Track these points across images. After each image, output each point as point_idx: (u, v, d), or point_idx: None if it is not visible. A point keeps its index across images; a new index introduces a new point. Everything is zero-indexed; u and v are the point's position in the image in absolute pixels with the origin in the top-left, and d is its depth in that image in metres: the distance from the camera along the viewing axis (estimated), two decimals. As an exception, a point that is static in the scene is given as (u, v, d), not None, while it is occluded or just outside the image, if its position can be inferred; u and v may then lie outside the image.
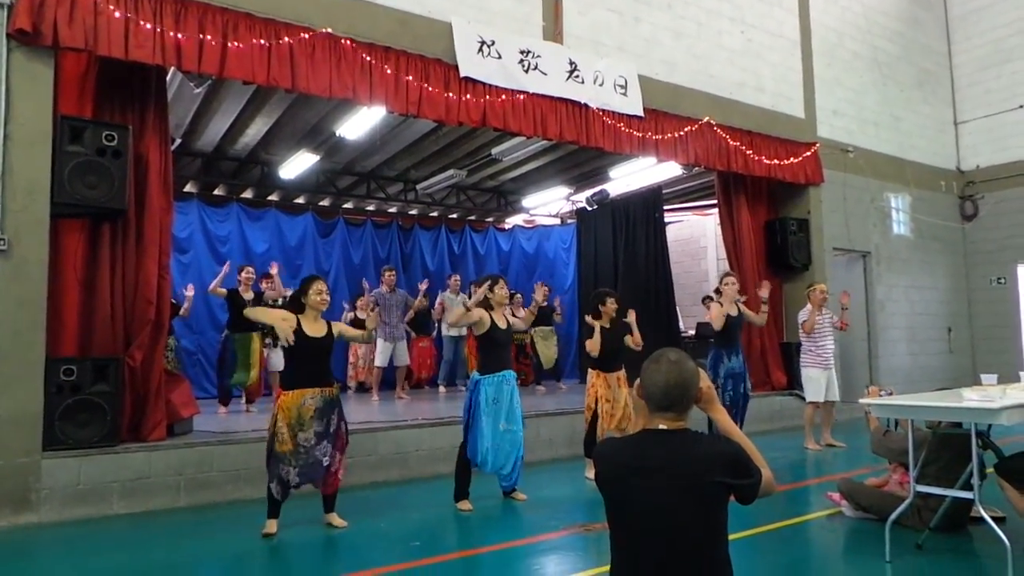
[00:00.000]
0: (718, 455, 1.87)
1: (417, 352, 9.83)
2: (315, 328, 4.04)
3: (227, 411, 7.37)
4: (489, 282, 4.73)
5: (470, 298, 4.31)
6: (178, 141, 8.54)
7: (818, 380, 6.78)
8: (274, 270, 7.08)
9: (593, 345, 5.30)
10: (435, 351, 10.40)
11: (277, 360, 7.57)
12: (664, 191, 10.92)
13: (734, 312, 6.06)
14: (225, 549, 3.94)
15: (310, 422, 3.96)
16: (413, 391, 9.30)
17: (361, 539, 4.03)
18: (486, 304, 4.67)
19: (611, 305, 5.41)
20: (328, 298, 4.12)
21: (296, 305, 4.10)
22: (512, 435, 4.61)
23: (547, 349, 9.75)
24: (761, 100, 8.83)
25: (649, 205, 10.63)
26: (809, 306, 6.97)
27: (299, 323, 3.99)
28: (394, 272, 8.82)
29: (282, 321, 4.00)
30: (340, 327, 4.24)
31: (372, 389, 8.82)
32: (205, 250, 9.99)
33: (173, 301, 7.62)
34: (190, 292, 7.47)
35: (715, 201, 9.45)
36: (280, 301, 7.38)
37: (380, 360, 8.73)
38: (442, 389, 9.80)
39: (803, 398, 7.93)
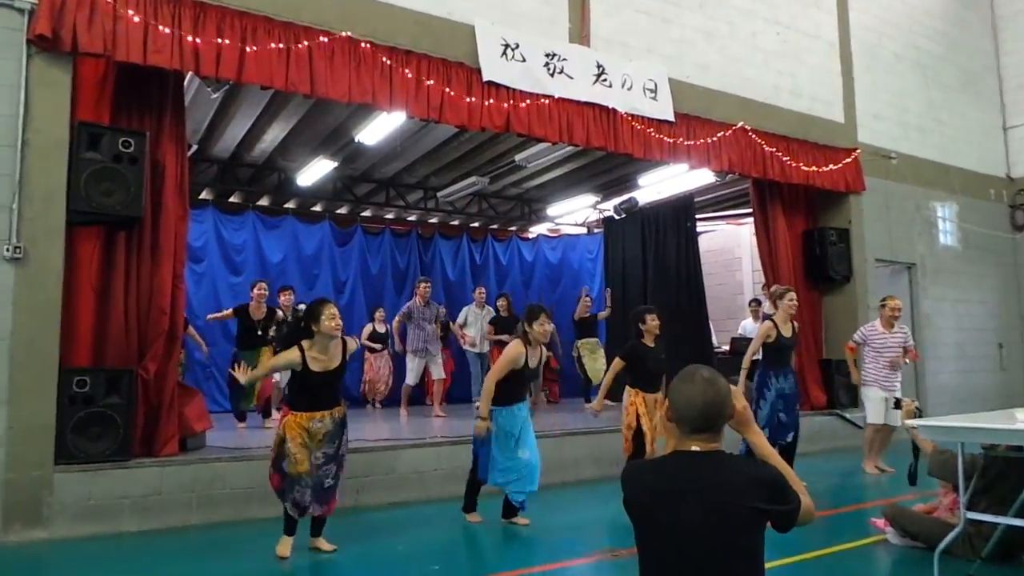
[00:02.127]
0: (754, 479, 1.83)
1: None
2: (325, 358, 3.95)
3: (245, 425, 7.42)
4: (528, 316, 4.67)
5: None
6: (194, 147, 8.69)
7: (879, 402, 6.56)
8: (289, 297, 7.42)
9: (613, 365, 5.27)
10: (453, 364, 10.43)
11: (283, 376, 7.59)
12: (696, 199, 10.86)
13: (789, 332, 5.91)
14: (237, 571, 3.93)
15: (319, 443, 3.94)
16: (430, 407, 9.28)
17: (378, 563, 4.01)
18: (524, 336, 4.63)
19: (652, 322, 5.33)
20: (341, 323, 4.01)
21: (305, 332, 4.00)
22: (528, 461, 4.62)
23: (594, 363, 9.68)
24: (798, 104, 8.75)
25: (680, 214, 10.57)
26: (876, 321, 6.71)
27: (303, 355, 3.92)
28: (429, 284, 8.83)
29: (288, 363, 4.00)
30: (352, 345, 4.14)
31: (402, 406, 8.81)
32: (219, 259, 10.12)
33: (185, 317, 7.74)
34: (196, 336, 7.64)
35: (750, 210, 9.37)
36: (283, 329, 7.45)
37: (411, 378, 8.69)
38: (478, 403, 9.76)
39: (845, 418, 7.81)
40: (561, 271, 12.99)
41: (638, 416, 5.13)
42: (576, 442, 6.53)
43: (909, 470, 4.08)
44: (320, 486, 3.98)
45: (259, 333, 7.35)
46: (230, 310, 7.55)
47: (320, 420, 3.92)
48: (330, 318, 3.96)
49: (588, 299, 10.11)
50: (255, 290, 7.51)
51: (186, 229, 5.62)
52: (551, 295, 12.59)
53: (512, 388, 4.60)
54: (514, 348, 4.57)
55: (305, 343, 3.96)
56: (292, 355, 3.96)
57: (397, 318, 8.79)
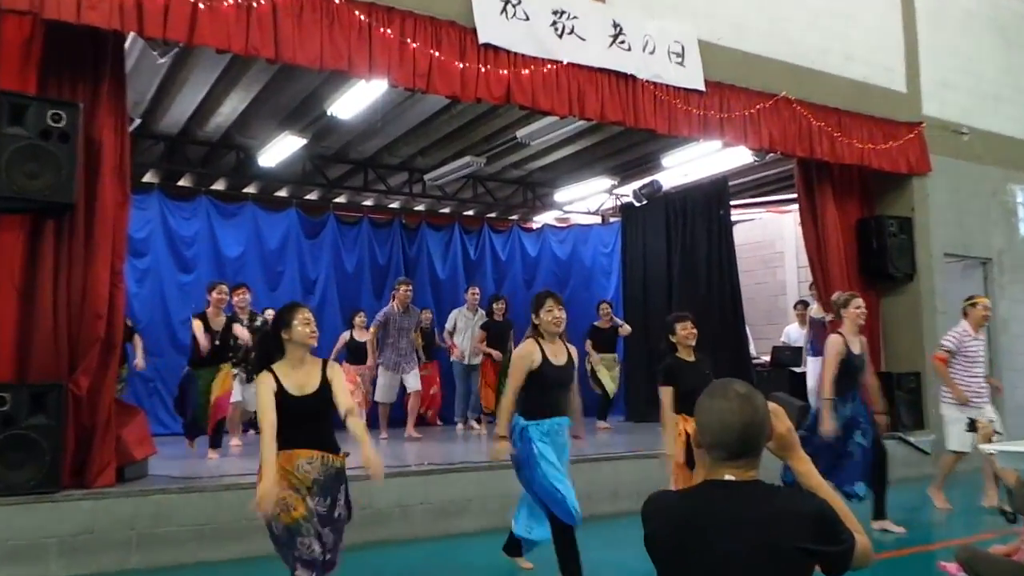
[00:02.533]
0: (801, 514, 1.82)
1: (424, 380, 9.82)
2: (301, 378, 3.75)
3: (194, 448, 7.41)
4: (535, 304, 4.58)
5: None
6: (137, 122, 8.69)
7: (963, 423, 6.20)
8: (244, 297, 7.45)
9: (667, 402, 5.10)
10: (439, 381, 10.45)
11: (251, 397, 7.55)
12: (731, 183, 10.87)
13: (858, 348, 5.78)
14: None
15: (308, 492, 3.68)
16: (418, 428, 9.28)
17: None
18: (534, 330, 4.55)
19: (683, 331, 5.23)
20: (316, 331, 3.83)
21: (273, 344, 3.83)
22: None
23: (612, 382, 9.82)
24: (851, 70, 8.74)
25: (712, 200, 10.58)
26: (965, 324, 6.52)
27: (277, 379, 3.68)
28: (410, 287, 8.85)
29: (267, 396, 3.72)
30: (333, 376, 3.83)
31: (381, 428, 8.84)
32: (166, 254, 10.14)
33: (128, 323, 7.73)
34: (139, 346, 7.69)
35: (794, 195, 9.37)
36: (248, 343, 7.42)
37: (384, 395, 8.74)
38: (460, 426, 9.81)
39: (909, 442, 7.74)
40: (571, 268, 13.01)
41: (689, 447, 4.86)
42: (589, 471, 6.45)
43: (1002, 506, 4.04)
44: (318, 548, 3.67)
45: (217, 344, 7.30)
46: (196, 320, 7.34)
47: (309, 461, 3.68)
48: (304, 323, 3.79)
49: (608, 306, 10.15)
50: (213, 294, 7.42)
51: (127, 218, 5.62)
52: (560, 292, 12.61)
53: (544, 397, 4.46)
54: (524, 346, 4.51)
55: (277, 365, 3.77)
56: (265, 384, 3.71)
57: (372, 328, 8.82)
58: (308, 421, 3.71)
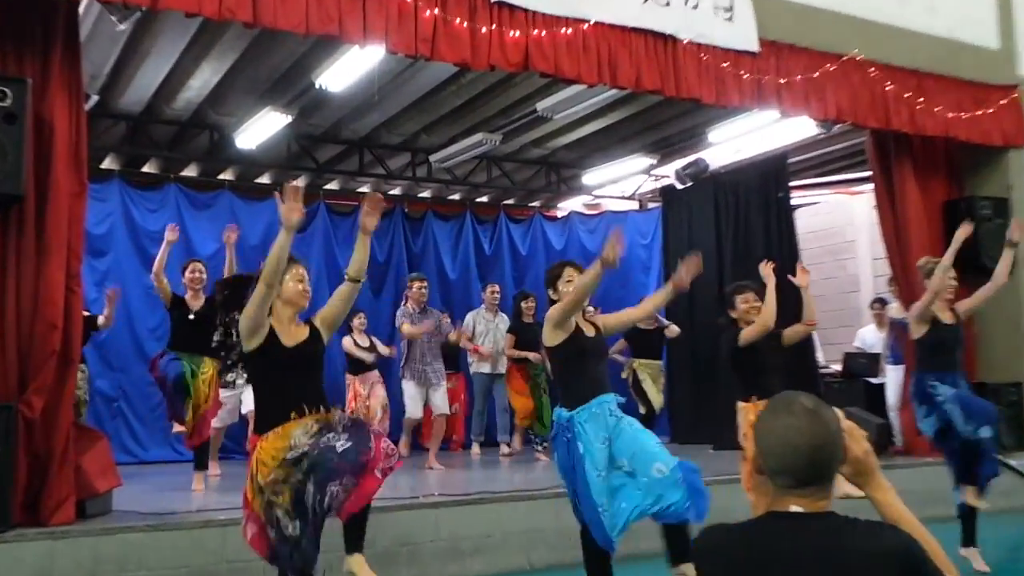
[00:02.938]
0: (882, 553, 1.80)
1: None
2: (294, 334, 4.01)
3: (184, 429, 7.34)
4: (550, 279, 4.73)
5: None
6: (94, 99, 8.76)
7: None
8: (232, 237, 7.47)
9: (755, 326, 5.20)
10: (468, 395, 10.51)
11: (248, 398, 7.51)
12: (791, 160, 10.82)
13: (948, 318, 5.81)
14: None
15: (312, 457, 3.81)
16: (441, 457, 9.28)
17: None
18: (552, 303, 4.68)
19: (746, 303, 5.38)
20: (309, 289, 4.09)
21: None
22: (649, 481, 4.24)
23: (658, 394, 9.78)
24: (934, 26, 8.67)
25: (769, 181, 10.53)
26: None
27: (272, 331, 3.95)
28: (426, 284, 8.85)
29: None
30: (320, 317, 4.13)
31: (400, 444, 8.77)
32: (130, 251, 10.22)
33: (86, 312, 7.76)
34: (113, 294, 7.64)
35: (867, 173, 9.33)
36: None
37: (413, 408, 8.69)
38: (476, 451, 9.79)
39: (1011, 467, 7.63)
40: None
41: None
42: None
43: None
44: (331, 462, 3.77)
45: (200, 329, 7.30)
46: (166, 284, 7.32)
47: (304, 432, 3.83)
48: (297, 279, 4.03)
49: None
50: (187, 273, 7.54)
51: (84, 210, 5.67)
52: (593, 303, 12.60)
53: (585, 374, 4.47)
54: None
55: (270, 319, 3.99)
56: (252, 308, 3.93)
57: (402, 321, 8.72)
58: (300, 377, 3.94)
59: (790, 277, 5.78)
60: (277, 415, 3.89)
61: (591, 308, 10.18)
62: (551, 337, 4.52)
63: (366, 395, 9.61)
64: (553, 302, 4.61)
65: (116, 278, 9.95)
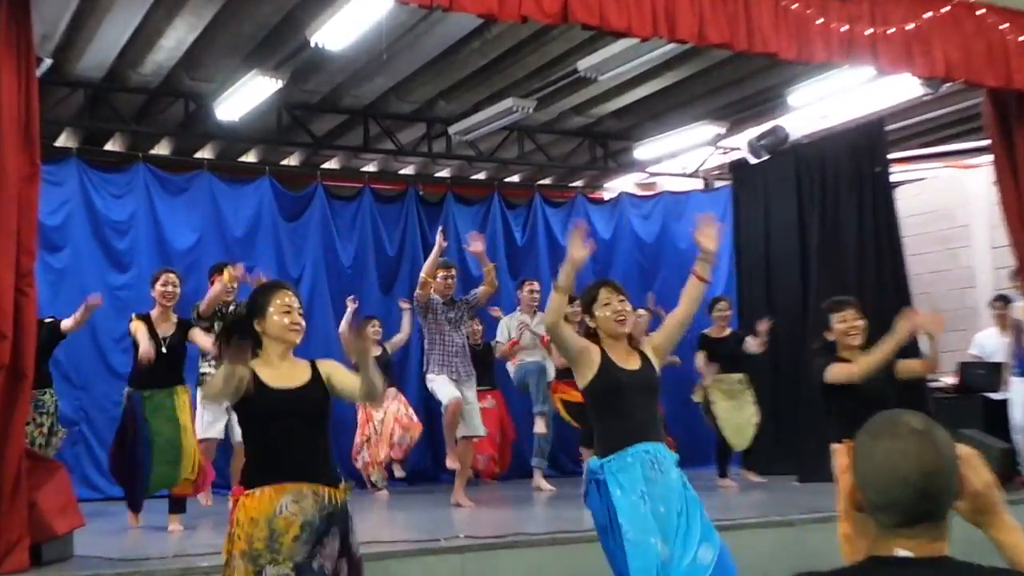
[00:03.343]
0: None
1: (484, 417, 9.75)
2: (285, 374, 3.97)
3: (139, 523, 7.42)
4: (585, 300, 4.70)
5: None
6: (47, 63, 8.78)
7: None
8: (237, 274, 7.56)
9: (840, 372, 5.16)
10: (507, 414, 10.48)
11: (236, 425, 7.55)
12: (889, 127, 10.78)
13: None
14: None
15: (292, 546, 3.77)
16: (474, 487, 9.29)
17: None
18: (591, 338, 4.62)
19: (844, 323, 5.32)
20: (301, 321, 4.03)
21: (243, 333, 4.00)
22: (693, 567, 4.23)
23: (737, 415, 9.54)
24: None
25: (862, 152, 10.49)
26: None
27: (256, 375, 3.87)
28: (453, 273, 8.77)
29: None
30: (331, 368, 4.08)
31: (448, 447, 8.62)
32: (92, 246, 10.26)
33: (49, 319, 7.80)
34: (93, 302, 7.71)
35: (985, 142, 9.21)
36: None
37: (451, 391, 8.37)
38: (543, 484, 9.59)
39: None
40: (660, 253, 12.99)
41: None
42: (752, 539, 6.51)
43: None
44: None
45: (166, 356, 7.35)
46: (137, 321, 7.32)
47: (295, 499, 3.82)
48: (283, 311, 3.95)
49: (726, 305, 10.05)
50: (158, 286, 7.44)
51: (36, 197, 5.69)
52: (644, 293, 12.46)
53: (620, 417, 4.48)
54: (569, 335, 4.59)
55: (254, 362, 3.93)
56: (237, 368, 3.87)
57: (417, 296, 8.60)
58: (297, 433, 3.89)
59: (916, 320, 5.49)
60: (263, 474, 3.86)
61: (642, 312, 10.29)
62: (577, 376, 4.58)
63: (381, 417, 9.62)
64: (591, 331, 4.59)
65: (74, 278, 10.06)
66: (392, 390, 9.68)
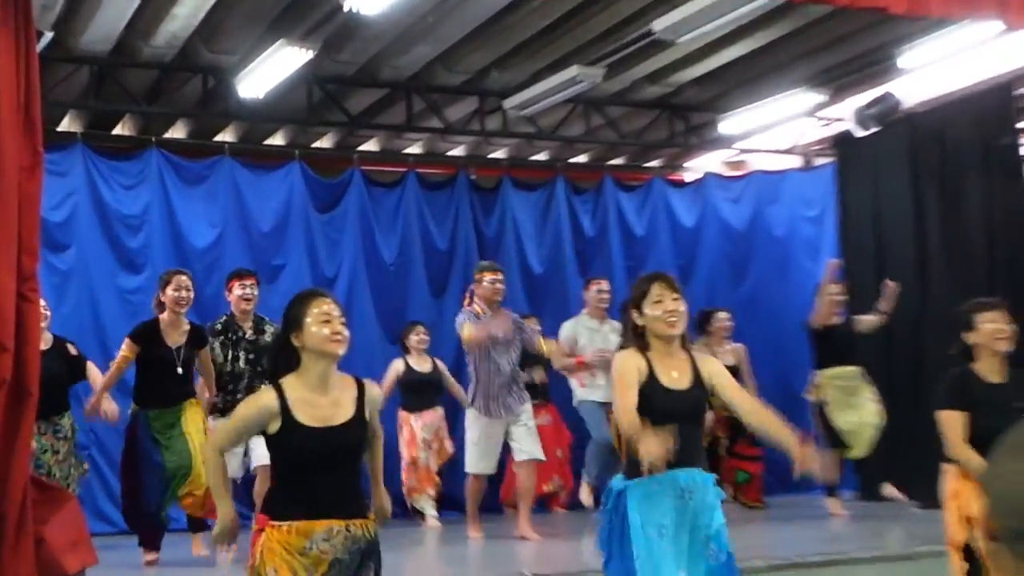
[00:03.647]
0: None
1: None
2: (323, 404, 4.01)
3: (156, 559, 7.48)
4: (635, 296, 4.75)
5: (633, 327, 4.28)
6: (48, 36, 8.85)
7: None
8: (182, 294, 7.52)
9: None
10: (568, 432, 10.41)
11: (261, 448, 7.61)
12: (1017, 93, 10.62)
13: None
14: None
15: None
16: (538, 516, 9.21)
17: None
18: (637, 338, 4.67)
19: (988, 325, 5.23)
20: (344, 331, 4.04)
21: (285, 354, 4.08)
22: None
23: (855, 417, 9.33)
24: None
25: (988, 122, 10.37)
26: None
27: (283, 400, 3.98)
28: (500, 276, 8.71)
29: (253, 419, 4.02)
30: (375, 408, 4.16)
31: (469, 521, 8.70)
32: (100, 244, 10.32)
33: (73, 347, 7.90)
34: (95, 377, 7.79)
35: None
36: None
37: (478, 461, 8.51)
38: (587, 494, 9.66)
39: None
40: (752, 242, 12.91)
41: (971, 520, 4.98)
42: None
43: None
44: None
45: (179, 372, 7.40)
46: (128, 341, 7.53)
47: (327, 536, 3.92)
48: (322, 321, 3.99)
49: (838, 291, 9.86)
50: (169, 290, 7.54)
51: (39, 190, 5.69)
52: (735, 288, 12.45)
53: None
54: (623, 355, 4.68)
55: (288, 380, 4.01)
56: (260, 401, 4.02)
57: (466, 330, 8.62)
58: (330, 471, 4.00)
59: None
60: (293, 507, 3.95)
61: (723, 316, 10.19)
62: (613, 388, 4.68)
63: (429, 438, 9.60)
64: (637, 329, 4.62)
65: (81, 280, 10.16)
66: (440, 414, 9.81)
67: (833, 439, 9.36)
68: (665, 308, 4.54)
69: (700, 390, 4.60)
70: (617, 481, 4.56)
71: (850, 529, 8.82)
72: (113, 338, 9.90)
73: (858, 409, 9.38)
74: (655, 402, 4.48)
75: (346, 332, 4.06)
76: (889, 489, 9.68)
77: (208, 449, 4.21)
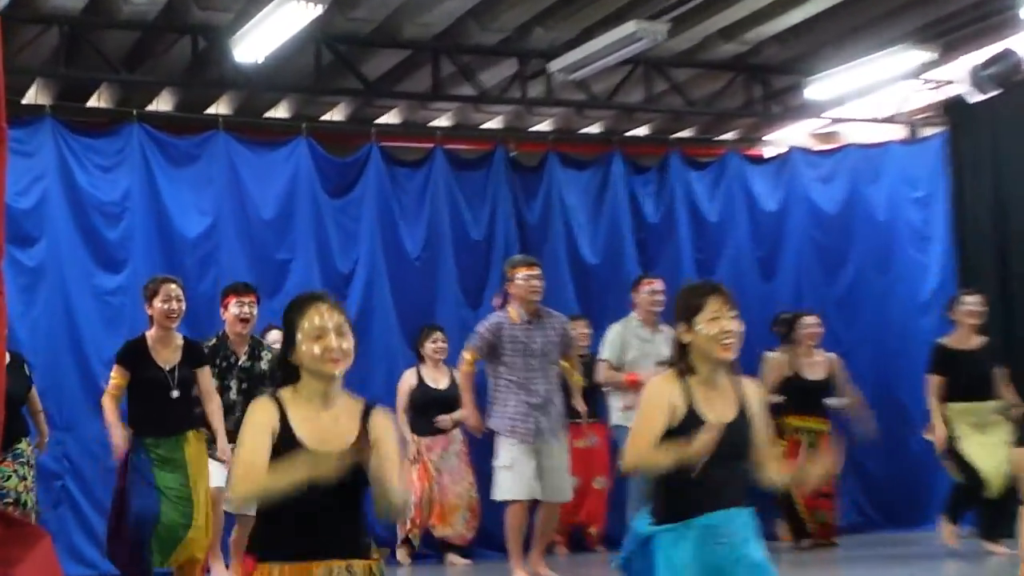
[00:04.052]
0: None
1: (578, 459, 9.82)
2: (323, 423, 4.05)
3: None
4: (684, 305, 4.71)
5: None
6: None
7: None
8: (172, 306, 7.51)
9: None
10: (608, 461, 10.41)
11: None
12: None
13: None
14: None
15: None
16: (578, 555, 9.25)
17: None
18: (681, 358, 4.67)
19: None
20: (341, 345, 3.99)
21: (285, 373, 4.13)
22: None
23: (992, 454, 9.33)
24: None
25: None
26: None
27: (285, 421, 4.02)
28: (536, 272, 8.75)
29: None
30: (382, 433, 4.11)
31: (513, 556, 8.73)
32: (74, 237, 10.35)
33: (24, 369, 8.00)
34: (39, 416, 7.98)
35: None
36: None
37: (515, 486, 8.57)
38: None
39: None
40: (847, 229, 12.86)
41: None
42: None
43: None
44: None
45: (175, 396, 7.49)
46: (117, 369, 7.59)
47: None
48: (314, 336, 4.01)
49: (978, 301, 9.82)
50: (157, 302, 7.57)
51: (2, 174, 5.79)
52: (827, 285, 12.47)
53: (684, 476, 4.49)
54: (657, 381, 4.71)
55: (286, 392, 4.07)
56: (261, 415, 4.04)
57: (466, 355, 8.80)
58: (329, 503, 3.97)
59: None
60: (286, 547, 3.97)
61: (810, 321, 10.17)
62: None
63: (435, 469, 9.63)
64: (682, 348, 4.62)
65: (53, 279, 10.16)
66: (458, 438, 9.81)
67: (966, 474, 9.45)
68: (722, 328, 4.52)
69: (746, 421, 4.62)
70: (642, 523, 4.59)
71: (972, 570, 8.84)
72: (91, 348, 10.09)
73: (996, 450, 9.27)
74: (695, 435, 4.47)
75: (346, 345, 4.02)
76: None
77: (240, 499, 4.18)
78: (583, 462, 10.02)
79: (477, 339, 8.74)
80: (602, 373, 9.63)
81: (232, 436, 7.68)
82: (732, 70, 12.41)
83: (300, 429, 3.97)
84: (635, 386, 9.28)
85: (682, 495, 4.51)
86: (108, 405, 7.60)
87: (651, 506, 4.64)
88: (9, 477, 7.41)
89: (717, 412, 4.53)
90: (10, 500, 7.13)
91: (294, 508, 3.93)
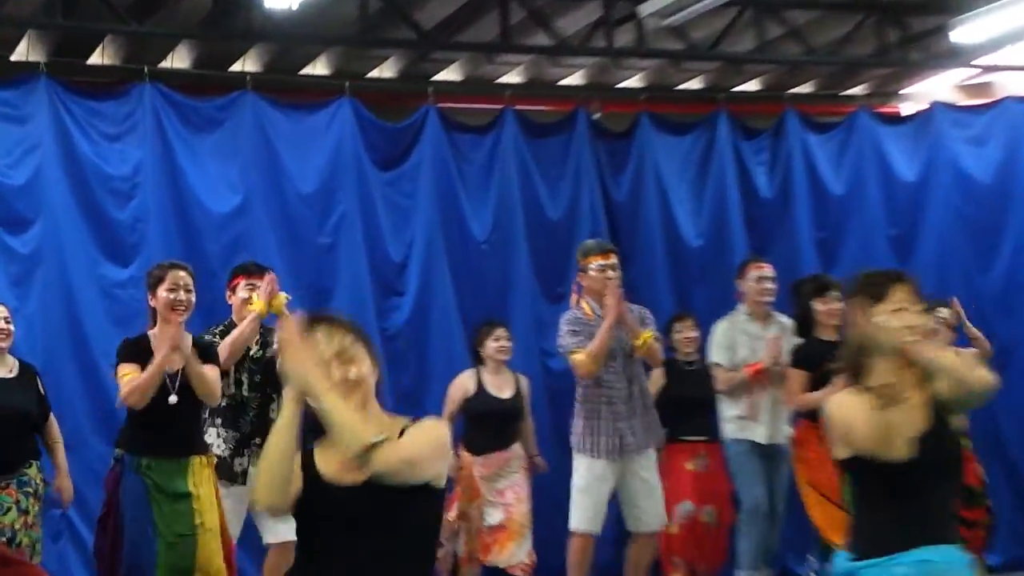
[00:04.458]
0: None
1: (673, 480, 9.77)
2: (345, 463, 4.00)
3: None
4: (861, 294, 4.77)
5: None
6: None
7: None
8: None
9: None
10: (725, 483, 10.34)
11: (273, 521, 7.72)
12: None
13: None
14: None
15: None
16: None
17: None
18: (857, 361, 4.73)
19: None
20: (356, 369, 4.09)
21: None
22: None
23: None
24: None
25: None
26: None
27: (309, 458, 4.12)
28: (612, 259, 8.83)
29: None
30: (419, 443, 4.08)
31: None
32: (76, 219, 10.44)
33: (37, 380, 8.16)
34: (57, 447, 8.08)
35: None
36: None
37: (584, 518, 8.69)
38: None
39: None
40: (1003, 199, 12.85)
41: None
42: None
43: None
44: None
45: (171, 400, 7.48)
46: (123, 367, 7.52)
47: None
48: (336, 353, 4.07)
49: None
50: (162, 290, 7.58)
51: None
52: (980, 269, 12.40)
53: (884, 508, 4.59)
54: (845, 406, 4.67)
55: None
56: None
57: (579, 354, 8.72)
58: (359, 542, 4.04)
59: None
60: None
61: (945, 313, 10.07)
62: (834, 444, 4.72)
63: (492, 490, 9.60)
64: (857, 353, 4.67)
65: (51, 269, 10.24)
66: (518, 455, 9.76)
67: None
68: (909, 323, 4.55)
69: (945, 428, 4.59)
70: (841, 562, 4.59)
71: None
72: (96, 351, 10.10)
73: None
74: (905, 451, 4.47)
75: (362, 369, 4.09)
76: None
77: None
78: (686, 481, 9.85)
79: (574, 336, 8.72)
80: (720, 379, 9.66)
81: (246, 439, 8.04)
82: (861, 10, 12.29)
83: (323, 463, 4.06)
84: (759, 376, 9.47)
85: (891, 524, 4.51)
86: (134, 381, 7.35)
87: (851, 539, 4.65)
88: (9, 509, 7.44)
89: (912, 425, 4.50)
90: (4, 538, 7.16)
91: (323, 537, 4.09)
